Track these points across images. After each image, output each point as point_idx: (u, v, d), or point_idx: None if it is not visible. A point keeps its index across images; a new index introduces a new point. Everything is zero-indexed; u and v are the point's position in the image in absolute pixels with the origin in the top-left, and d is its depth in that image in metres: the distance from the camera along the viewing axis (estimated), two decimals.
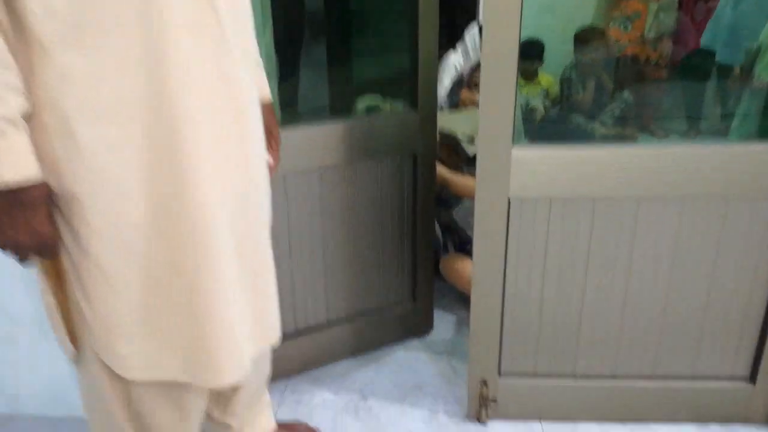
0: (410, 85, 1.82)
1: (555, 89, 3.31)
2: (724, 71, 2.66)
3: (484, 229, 1.53)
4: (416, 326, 2.12)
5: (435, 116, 1.86)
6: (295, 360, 1.94)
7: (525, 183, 1.48)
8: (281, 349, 1.86)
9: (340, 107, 2.30)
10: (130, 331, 1.11)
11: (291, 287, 1.84)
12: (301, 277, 1.84)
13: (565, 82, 3.17)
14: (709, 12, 2.99)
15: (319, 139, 1.72)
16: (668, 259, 1.55)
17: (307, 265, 1.84)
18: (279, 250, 1.76)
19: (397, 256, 1.99)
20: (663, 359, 1.65)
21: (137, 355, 1.14)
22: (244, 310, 1.19)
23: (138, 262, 1.07)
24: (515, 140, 1.44)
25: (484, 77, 1.38)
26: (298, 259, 1.82)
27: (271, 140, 1.31)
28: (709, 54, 2.79)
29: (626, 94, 3.21)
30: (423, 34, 1.75)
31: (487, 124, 1.43)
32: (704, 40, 2.91)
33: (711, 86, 2.90)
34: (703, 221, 1.51)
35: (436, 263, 2.21)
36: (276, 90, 2.22)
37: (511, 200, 1.50)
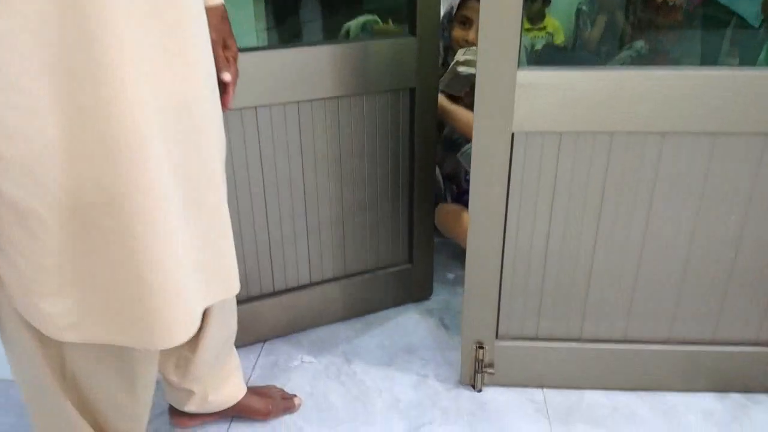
0: (408, 5, 1.58)
1: (561, 36, 3.14)
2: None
3: (483, 169, 1.34)
4: (413, 291, 1.92)
5: (437, 44, 1.63)
6: (274, 322, 1.76)
7: (531, 114, 1.28)
8: (257, 309, 1.69)
9: (333, 30, 2.08)
10: (53, 283, 0.93)
11: (267, 241, 1.64)
12: (278, 230, 1.65)
13: (577, 14, 2.97)
14: None
15: (299, 67, 1.49)
16: (693, 206, 1.36)
17: (287, 217, 1.64)
18: (252, 199, 1.57)
19: (392, 211, 1.78)
20: (680, 321, 1.50)
21: (65, 312, 0.95)
22: (190, 254, 0.99)
23: (56, 196, 0.87)
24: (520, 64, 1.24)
25: None
26: (276, 210, 1.62)
27: (227, 53, 1.10)
28: None
29: (640, 44, 3.04)
30: None
31: (488, 42, 1.22)
32: None
33: (730, 31, 2.70)
34: (737, 161, 1.32)
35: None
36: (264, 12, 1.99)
37: (515, 135, 1.31)
